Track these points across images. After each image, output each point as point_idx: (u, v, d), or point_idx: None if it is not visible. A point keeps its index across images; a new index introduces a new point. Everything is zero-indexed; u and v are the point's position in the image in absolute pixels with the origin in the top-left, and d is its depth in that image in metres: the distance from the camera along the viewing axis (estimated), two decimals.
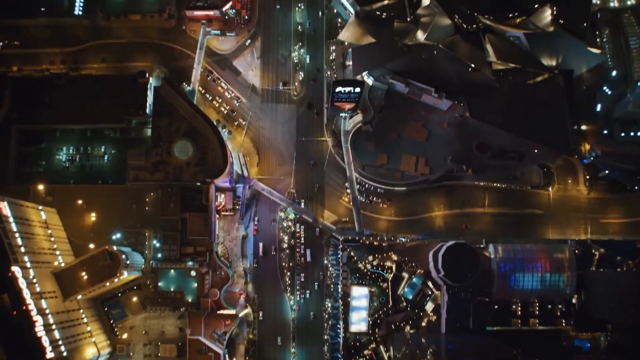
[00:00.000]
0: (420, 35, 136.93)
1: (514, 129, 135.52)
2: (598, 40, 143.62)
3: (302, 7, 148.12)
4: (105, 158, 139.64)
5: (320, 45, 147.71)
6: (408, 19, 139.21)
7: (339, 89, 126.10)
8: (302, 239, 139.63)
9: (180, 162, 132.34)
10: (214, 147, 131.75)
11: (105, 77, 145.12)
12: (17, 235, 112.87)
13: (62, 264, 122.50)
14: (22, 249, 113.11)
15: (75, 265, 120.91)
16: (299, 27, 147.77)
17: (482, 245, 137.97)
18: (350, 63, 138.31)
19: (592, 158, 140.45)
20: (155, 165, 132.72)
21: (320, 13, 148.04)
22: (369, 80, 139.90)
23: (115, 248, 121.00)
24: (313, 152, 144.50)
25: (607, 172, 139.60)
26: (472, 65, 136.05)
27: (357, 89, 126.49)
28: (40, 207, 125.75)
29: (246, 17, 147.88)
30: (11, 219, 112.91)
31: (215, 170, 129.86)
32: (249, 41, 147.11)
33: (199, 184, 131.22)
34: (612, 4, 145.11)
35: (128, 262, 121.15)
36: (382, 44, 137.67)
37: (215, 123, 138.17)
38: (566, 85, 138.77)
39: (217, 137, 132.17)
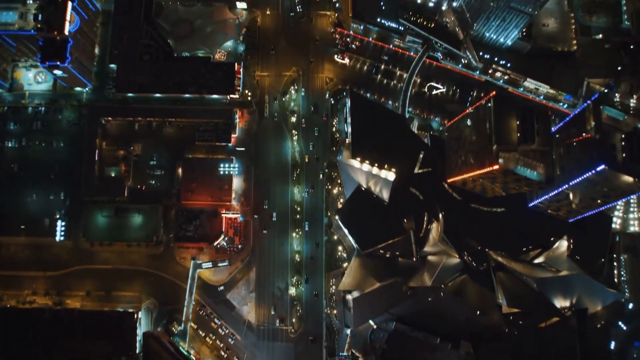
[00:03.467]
0: (427, 279, 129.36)
1: None
2: (615, 263, 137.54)
3: (301, 233, 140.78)
4: None
5: (319, 273, 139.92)
6: (414, 259, 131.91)
7: None
8: None
9: None
10: None
11: (91, 312, 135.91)
12: None
13: None
14: None
15: None
16: (297, 255, 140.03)
17: None
18: (352, 312, 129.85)
19: None
20: None
21: (316, 245, 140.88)
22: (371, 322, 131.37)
23: None
24: None
25: None
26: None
27: None
28: None
29: (240, 246, 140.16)
30: None
31: None
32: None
33: None
34: (632, 229, 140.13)
35: None
36: (385, 289, 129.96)
37: None
38: (579, 324, 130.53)
39: None
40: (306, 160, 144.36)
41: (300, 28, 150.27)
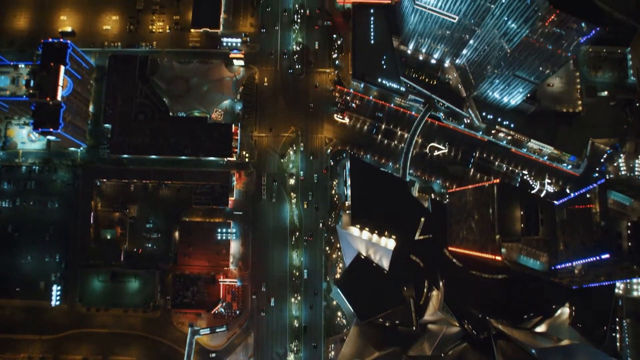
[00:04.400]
0: (427, 348, 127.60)
1: None
2: (618, 327, 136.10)
3: (299, 298, 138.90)
4: None
5: (318, 339, 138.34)
6: (414, 328, 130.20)
7: None
8: None
9: None
10: None
11: None
12: None
13: None
14: None
15: None
16: (295, 321, 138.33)
17: None
18: None
19: None
20: None
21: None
22: None
23: None
24: None
25: None
26: None
27: None
28: None
29: (238, 312, 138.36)
30: None
31: None
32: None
33: None
34: (635, 293, 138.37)
35: None
36: (384, 358, 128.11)
37: None
38: None
39: None
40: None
41: (299, 86, 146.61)
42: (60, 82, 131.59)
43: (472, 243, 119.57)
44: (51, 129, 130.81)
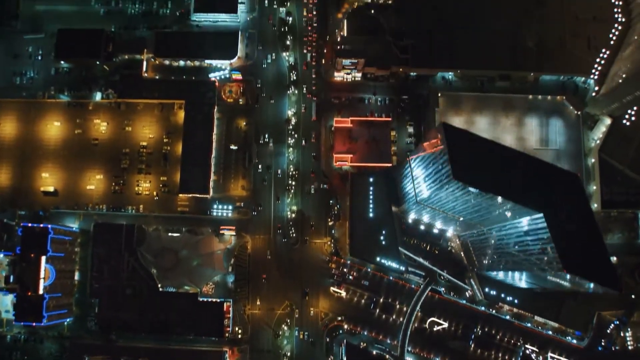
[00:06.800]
0: None
1: None
2: None
3: None
4: None
5: None
6: None
7: None
8: None
9: None
10: None
11: None
12: None
13: None
14: None
15: None
16: None
17: None
18: None
19: None
20: None
21: None
22: None
23: None
24: None
25: None
26: None
27: None
28: None
29: None
30: None
31: None
32: None
33: None
34: None
35: None
36: None
37: None
38: None
39: None
40: None
41: (293, 256, 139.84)
42: (42, 274, 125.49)
43: None
44: (34, 323, 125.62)
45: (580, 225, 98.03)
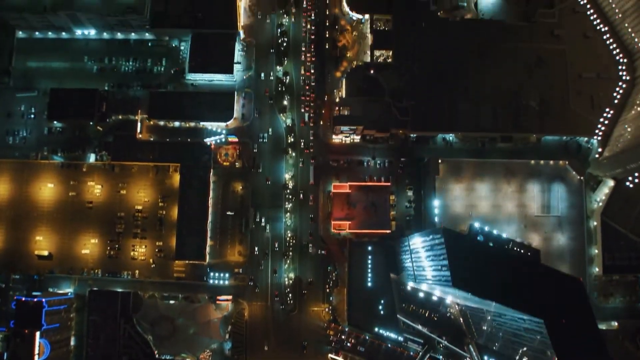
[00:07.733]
0: None
1: None
2: None
3: None
4: None
5: None
6: None
7: None
8: None
9: None
10: None
11: None
12: None
13: None
14: None
15: None
16: None
17: None
18: None
19: None
20: None
21: None
22: None
23: None
24: None
25: None
26: None
27: None
28: None
29: None
30: None
31: None
32: None
33: None
34: None
35: None
36: None
37: None
38: None
39: None
40: None
41: (291, 324, 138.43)
42: (36, 350, 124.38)
43: None
44: None
45: (583, 334, 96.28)
